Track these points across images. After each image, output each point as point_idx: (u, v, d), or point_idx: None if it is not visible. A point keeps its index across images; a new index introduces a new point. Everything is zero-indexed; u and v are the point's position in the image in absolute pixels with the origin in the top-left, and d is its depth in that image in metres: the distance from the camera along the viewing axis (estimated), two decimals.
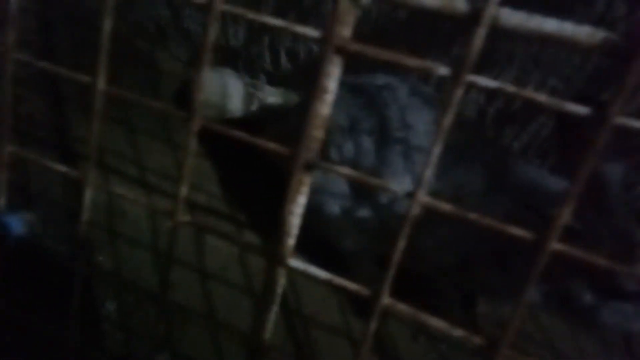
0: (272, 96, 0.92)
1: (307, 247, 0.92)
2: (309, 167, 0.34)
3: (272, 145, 0.34)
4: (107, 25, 0.35)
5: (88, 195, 0.40)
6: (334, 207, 0.71)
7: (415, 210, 0.31)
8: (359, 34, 0.32)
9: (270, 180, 0.95)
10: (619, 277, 0.58)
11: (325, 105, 0.32)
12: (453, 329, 0.33)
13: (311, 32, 0.30)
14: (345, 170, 0.33)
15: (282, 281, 0.38)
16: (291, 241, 0.37)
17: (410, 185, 0.66)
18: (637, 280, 0.58)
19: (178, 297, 0.83)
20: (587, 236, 0.54)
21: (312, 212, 0.80)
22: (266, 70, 1.05)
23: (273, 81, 1.02)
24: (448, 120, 0.29)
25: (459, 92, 0.28)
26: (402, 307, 0.34)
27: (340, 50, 0.30)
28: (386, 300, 0.34)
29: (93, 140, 0.38)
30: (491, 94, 0.86)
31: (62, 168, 0.41)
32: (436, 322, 0.33)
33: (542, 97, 0.26)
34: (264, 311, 0.38)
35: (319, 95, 0.32)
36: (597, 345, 0.86)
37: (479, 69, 0.88)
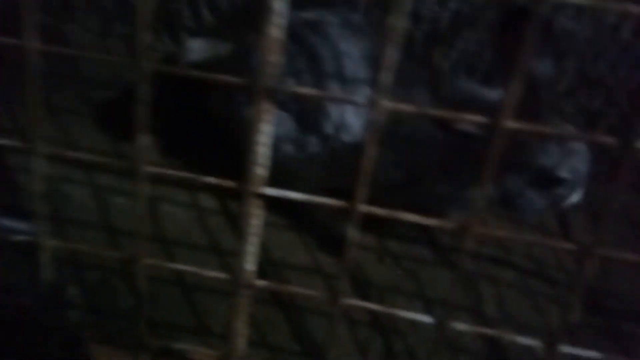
0: (198, 52, 0.89)
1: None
2: (270, 94, 0.34)
3: (230, 79, 0.34)
4: None
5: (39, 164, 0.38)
6: (286, 148, 0.72)
7: (380, 116, 0.33)
8: None
9: (219, 143, 0.93)
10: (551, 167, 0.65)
11: (277, 28, 0.33)
12: (424, 219, 0.36)
13: None
14: (306, 90, 0.34)
15: (259, 212, 0.39)
16: (262, 171, 0.38)
17: (352, 114, 0.67)
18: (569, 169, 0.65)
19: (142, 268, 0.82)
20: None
21: None
22: (187, 26, 1.01)
23: (196, 36, 0.99)
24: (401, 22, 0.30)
25: None
26: (377, 210, 0.36)
27: None
28: (362, 208, 0.37)
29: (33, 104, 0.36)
30: (416, 16, 0.88)
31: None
32: (411, 217, 0.36)
33: None
34: (245, 243, 0.40)
35: (268, 18, 0.32)
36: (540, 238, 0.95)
37: None
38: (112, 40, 1.12)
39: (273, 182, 0.82)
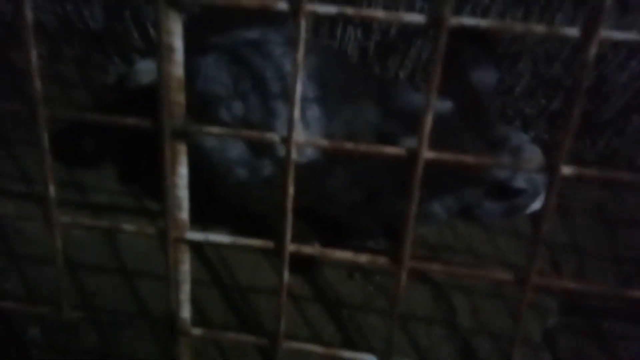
0: (146, 74, 0.86)
1: (228, 220, 0.91)
2: (179, 135, 0.32)
3: (132, 121, 0.31)
4: None
5: None
6: (240, 173, 0.69)
7: (293, 152, 0.31)
8: None
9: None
10: (508, 179, 0.64)
11: (176, 65, 0.30)
12: (357, 256, 0.34)
13: None
14: (216, 129, 0.32)
15: (186, 256, 0.37)
16: (184, 214, 0.35)
17: (302, 135, 0.66)
18: (524, 180, 0.64)
19: (105, 303, 0.79)
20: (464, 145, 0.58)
21: (219, 183, 0.78)
22: (136, 47, 0.98)
23: (146, 57, 0.96)
24: (300, 55, 0.28)
25: (302, 23, 0.27)
26: (307, 249, 0.34)
27: (173, 2, 0.28)
28: (290, 247, 0.34)
29: None
30: (367, 28, 0.87)
31: None
32: (341, 254, 0.34)
33: (379, 13, 0.26)
34: (176, 292, 0.37)
35: (166, 55, 0.30)
36: (511, 243, 0.94)
37: None
38: (62, 64, 1.08)
39: (234, 206, 0.80)
